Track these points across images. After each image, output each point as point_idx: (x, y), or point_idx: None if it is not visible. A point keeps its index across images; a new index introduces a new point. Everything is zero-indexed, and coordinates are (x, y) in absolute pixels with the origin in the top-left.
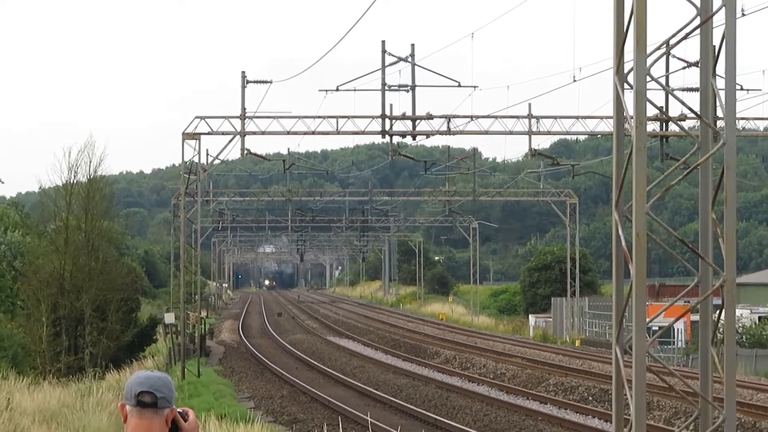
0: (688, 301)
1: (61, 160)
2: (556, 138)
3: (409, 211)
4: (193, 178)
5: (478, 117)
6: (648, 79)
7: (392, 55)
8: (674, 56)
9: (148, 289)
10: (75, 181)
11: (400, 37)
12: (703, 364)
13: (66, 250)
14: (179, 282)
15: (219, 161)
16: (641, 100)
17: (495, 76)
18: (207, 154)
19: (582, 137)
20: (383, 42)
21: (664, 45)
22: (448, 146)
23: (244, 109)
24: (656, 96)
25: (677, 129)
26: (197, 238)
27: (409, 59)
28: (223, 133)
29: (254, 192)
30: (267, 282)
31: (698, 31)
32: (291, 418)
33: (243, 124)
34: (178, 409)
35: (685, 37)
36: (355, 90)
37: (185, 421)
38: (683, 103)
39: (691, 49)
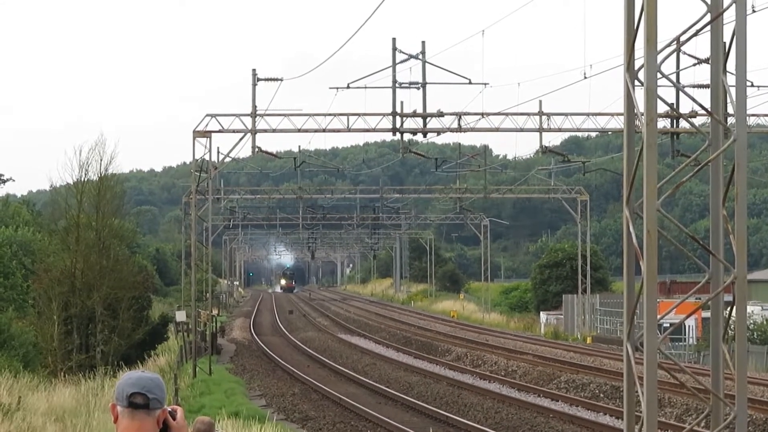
0: (699, 298)
1: (72, 158)
2: (566, 135)
3: (420, 209)
4: (204, 176)
5: (488, 114)
6: (659, 75)
7: (403, 53)
8: (685, 53)
9: (159, 287)
10: (86, 179)
11: (411, 35)
12: (714, 361)
13: (77, 249)
14: (190, 280)
15: (230, 159)
16: (652, 96)
17: (506, 73)
18: (218, 152)
19: (593, 134)
20: (394, 39)
21: (675, 42)
22: (459, 143)
23: (254, 106)
24: (667, 93)
25: (688, 126)
26: (208, 236)
27: (420, 57)
28: (234, 131)
29: (265, 190)
30: (283, 281)
31: (709, 27)
32: (302, 416)
33: (254, 122)
34: (168, 408)
35: (696, 34)
36: (365, 87)
37: (174, 419)
38: (694, 100)
39: (701, 46)
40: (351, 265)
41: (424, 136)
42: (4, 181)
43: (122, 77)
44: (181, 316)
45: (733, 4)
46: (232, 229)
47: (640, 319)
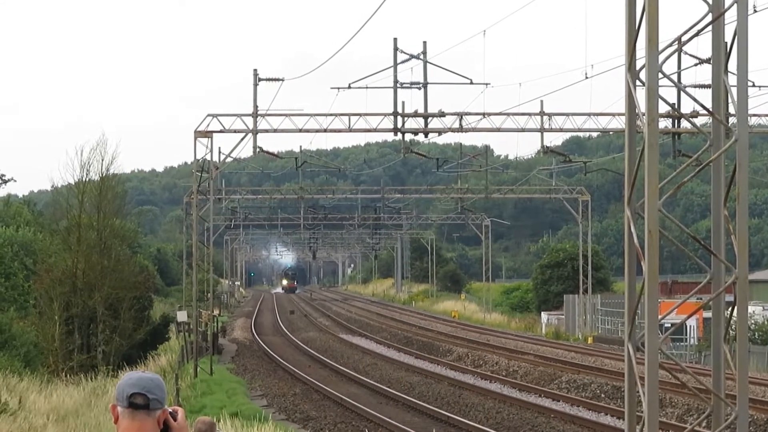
0: (701, 298)
1: (74, 158)
2: (568, 135)
3: (421, 209)
4: (206, 176)
5: (490, 114)
6: (660, 76)
7: (404, 53)
8: (686, 53)
9: (160, 287)
10: (87, 180)
11: (412, 35)
12: (715, 361)
13: (78, 249)
14: (192, 280)
15: (231, 159)
16: (653, 96)
17: (507, 73)
18: (219, 152)
19: (594, 134)
20: (395, 39)
21: (676, 42)
22: (461, 143)
23: (256, 106)
24: (668, 93)
25: (689, 126)
26: (210, 236)
27: (421, 57)
28: (235, 131)
29: (266, 190)
30: (285, 281)
31: (710, 27)
32: (304, 416)
33: (255, 122)
34: (168, 409)
35: (697, 34)
36: (367, 87)
37: (175, 420)
38: (695, 100)
39: (703, 46)
40: (352, 266)
41: (426, 136)
42: (5, 181)
43: (123, 77)
44: (182, 316)
45: (735, 4)
46: (234, 229)
47: (642, 320)
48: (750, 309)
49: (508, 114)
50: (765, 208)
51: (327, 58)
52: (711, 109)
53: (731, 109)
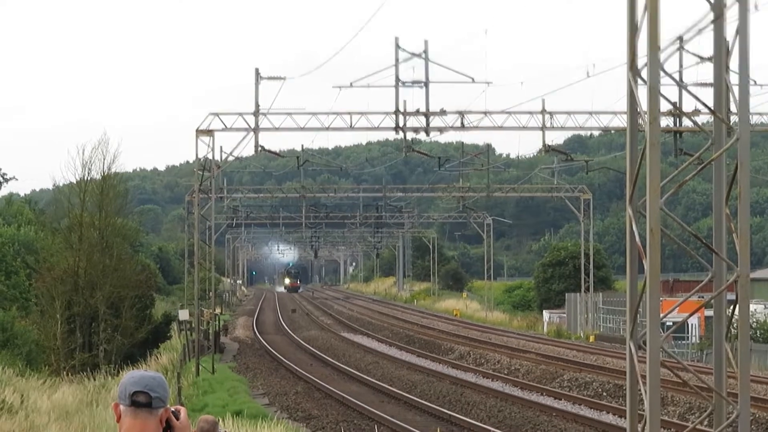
0: (702, 297)
1: (75, 157)
2: (569, 133)
3: (423, 208)
4: (207, 175)
5: (491, 113)
6: (661, 74)
7: (406, 52)
8: (687, 51)
9: (162, 286)
10: (89, 178)
11: (414, 34)
12: (717, 360)
13: (80, 247)
14: (193, 279)
15: (233, 158)
16: (655, 95)
17: (508, 72)
18: (221, 151)
19: (596, 133)
20: (396, 38)
21: (678, 40)
22: (462, 142)
23: (257, 105)
24: (670, 91)
25: (691, 124)
26: (211, 234)
27: (423, 55)
28: (236, 130)
29: (268, 189)
30: (287, 280)
31: (711, 26)
32: (305, 415)
33: (257, 121)
34: (171, 408)
35: (699, 33)
36: (368, 86)
37: (177, 419)
38: (697, 99)
39: (704, 45)
40: (354, 264)
41: (427, 134)
42: (7, 180)
43: (125, 76)
44: (183, 314)
45: (736, 3)
46: (235, 228)
47: (643, 318)
48: (751, 307)
49: (509, 112)
50: (766, 206)
51: (329, 56)
52: (713, 108)
53: (733, 108)
